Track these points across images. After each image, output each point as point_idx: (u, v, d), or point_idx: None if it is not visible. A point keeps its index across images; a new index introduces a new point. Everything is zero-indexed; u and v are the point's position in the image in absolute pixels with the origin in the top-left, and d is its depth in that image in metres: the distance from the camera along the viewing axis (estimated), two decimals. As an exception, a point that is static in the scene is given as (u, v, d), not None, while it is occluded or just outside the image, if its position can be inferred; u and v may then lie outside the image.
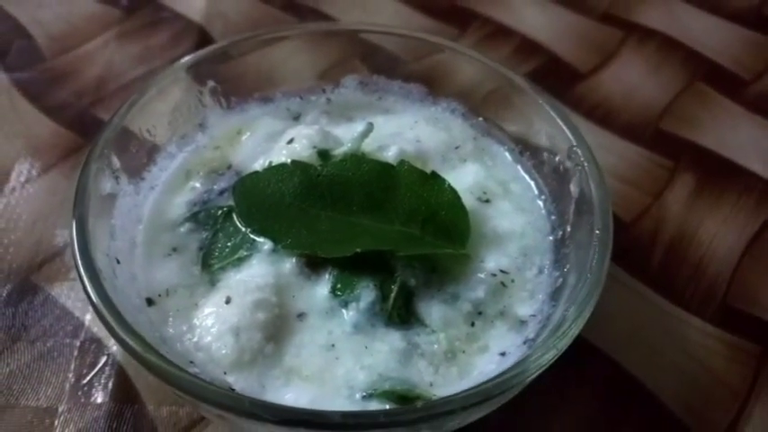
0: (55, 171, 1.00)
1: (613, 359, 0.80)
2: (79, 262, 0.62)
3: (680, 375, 0.80)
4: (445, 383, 0.65)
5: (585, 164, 0.72)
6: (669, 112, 1.13)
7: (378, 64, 0.94)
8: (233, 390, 0.62)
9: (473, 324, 0.69)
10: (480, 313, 0.70)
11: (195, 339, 0.66)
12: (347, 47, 0.96)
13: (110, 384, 0.76)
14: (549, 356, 0.58)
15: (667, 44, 1.25)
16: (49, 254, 0.90)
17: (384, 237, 0.70)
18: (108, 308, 0.59)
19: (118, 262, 0.69)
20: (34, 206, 0.94)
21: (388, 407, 0.62)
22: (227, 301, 0.67)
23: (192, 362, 0.64)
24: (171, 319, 0.68)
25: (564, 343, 0.59)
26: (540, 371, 0.58)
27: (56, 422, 0.73)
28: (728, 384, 0.80)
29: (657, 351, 0.82)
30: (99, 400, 0.75)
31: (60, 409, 0.74)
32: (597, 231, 0.66)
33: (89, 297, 0.60)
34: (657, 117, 1.12)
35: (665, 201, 0.99)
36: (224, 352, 0.64)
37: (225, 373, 0.64)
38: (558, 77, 1.20)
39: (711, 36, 1.27)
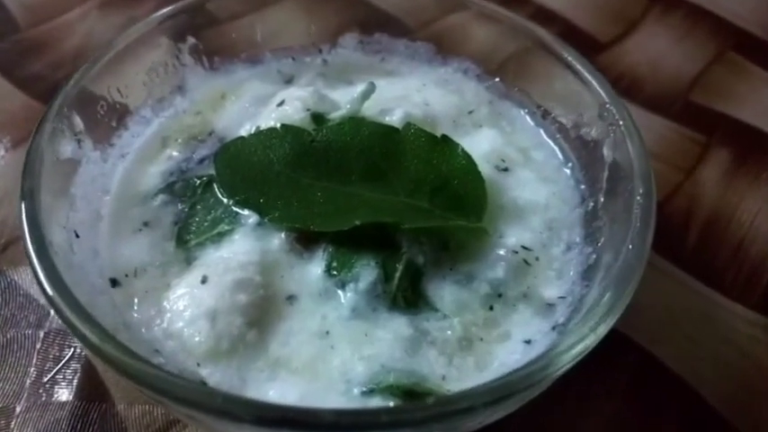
0: (24, 147, 0.92)
1: (647, 351, 0.75)
2: (26, 230, 0.55)
3: (721, 368, 0.75)
4: (460, 376, 0.58)
5: (621, 122, 0.66)
6: (699, 83, 1.08)
7: (380, 27, 0.88)
8: (204, 384, 0.55)
9: (491, 308, 0.63)
10: (500, 295, 0.64)
11: (165, 325, 0.60)
12: (345, 9, 0.90)
13: (75, 380, 0.71)
14: (588, 343, 0.51)
15: (694, 12, 1.20)
16: (15, 236, 0.82)
17: (387, 209, 0.64)
18: (55, 285, 0.52)
19: (77, 236, 0.63)
20: (1, 184, 0.87)
21: (392, 404, 0.55)
22: (204, 281, 0.60)
23: (157, 350, 0.57)
24: (138, 301, 0.62)
25: (603, 329, 0.52)
26: (576, 361, 0.51)
27: (12, 424, 0.68)
28: (775, 376, 0.74)
29: (696, 341, 0.77)
30: (63, 399, 0.69)
31: (18, 410, 0.68)
32: (639, 198, 0.60)
33: (34, 271, 0.53)
34: (687, 89, 1.07)
35: (698, 177, 0.94)
36: (197, 339, 0.58)
37: (198, 365, 0.57)
38: (576, 47, 1.12)
39: (741, 4, 1.22)
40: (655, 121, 1.02)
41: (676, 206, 0.90)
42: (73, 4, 1.14)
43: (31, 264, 0.54)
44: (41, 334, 0.74)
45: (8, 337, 0.74)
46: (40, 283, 0.52)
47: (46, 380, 0.70)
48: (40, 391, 0.70)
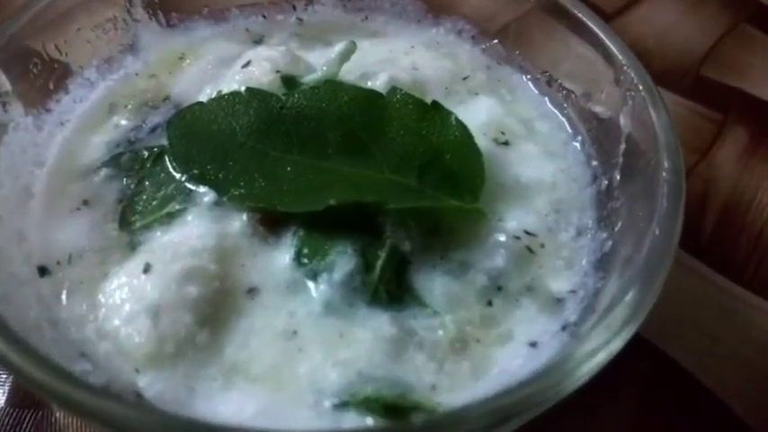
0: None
1: (662, 350, 0.71)
2: None
3: (742, 368, 0.72)
4: (453, 386, 0.52)
5: (641, 87, 0.59)
6: (711, 57, 1.04)
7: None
8: (139, 396, 0.47)
9: (490, 303, 0.57)
10: (500, 288, 0.58)
11: (99, 323, 0.53)
12: None
13: (7, 384, 0.66)
14: (612, 350, 0.44)
15: None
16: None
17: (368, 186, 0.59)
18: None
19: None
20: None
21: (370, 421, 0.48)
22: (146, 270, 0.54)
23: (84, 354, 0.50)
24: (68, 294, 0.56)
25: (628, 332, 0.45)
26: (597, 371, 0.44)
27: None
28: (801, 378, 0.72)
29: (715, 338, 0.73)
30: None
31: None
32: (665, 175, 0.54)
33: None
34: (698, 63, 1.03)
35: (713, 158, 0.91)
36: (137, 341, 0.51)
37: (137, 371, 0.51)
38: None
39: None
40: (665, 97, 0.95)
41: (691, 190, 0.86)
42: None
43: None
44: None
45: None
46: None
47: None
48: None
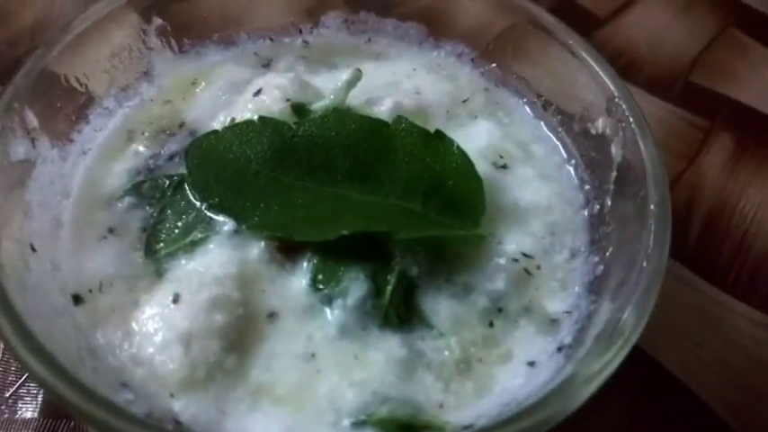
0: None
1: (648, 354, 0.73)
2: None
3: (725, 371, 0.73)
4: (459, 404, 0.55)
5: (631, 120, 0.62)
6: (700, 62, 1.05)
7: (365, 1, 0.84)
8: (179, 423, 0.51)
9: (491, 324, 0.60)
10: (500, 310, 0.60)
11: (134, 350, 0.56)
12: None
13: (40, 396, 0.67)
14: (610, 371, 0.48)
15: None
16: None
17: (377, 214, 0.61)
18: (7, 316, 0.47)
19: (33, 249, 0.58)
20: None
21: None
22: (176, 300, 0.56)
23: (125, 384, 0.52)
24: (103, 322, 0.58)
25: (621, 356, 0.49)
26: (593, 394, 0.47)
27: None
28: (781, 381, 0.73)
29: (699, 344, 0.75)
30: (27, 416, 0.66)
31: None
32: (652, 207, 0.57)
33: None
34: (687, 68, 1.04)
35: (700, 165, 0.92)
36: (171, 367, 0.54)
37: (172, 396, 0.53)
38: (572, 23, 1.09)
39: None
40: (654, 104, 0.99)
41: (678, 197, 0.88)
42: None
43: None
44: (1, 345, 0.70)
45: (-35, 351, 0.70)
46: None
47: (8, 395, 0.67)
48: (3, 407, 0.66)
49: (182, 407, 0.52)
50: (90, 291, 0.59)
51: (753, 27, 1.10)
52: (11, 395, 0.67)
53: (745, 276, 0.81)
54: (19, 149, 0.61)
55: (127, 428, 0.43)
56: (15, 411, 0.66)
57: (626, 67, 1.03)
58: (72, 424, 0.65)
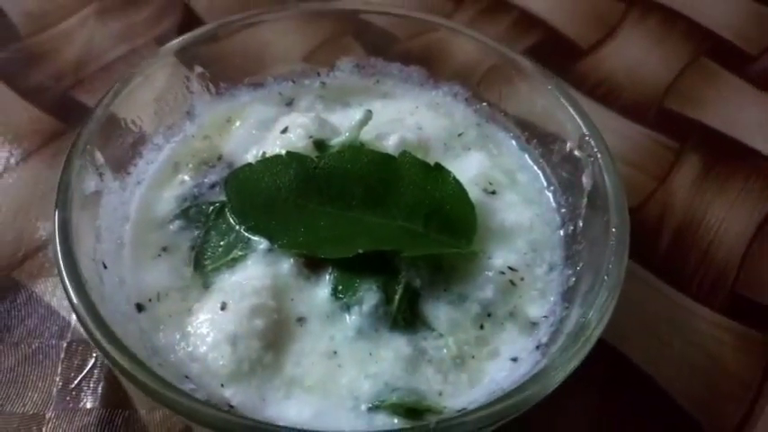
0: (36, 159, 0.94)
1: (619, 351, 0.78)
2: (64, 273, 0.58)
3: (689, 368, 0.78)
4: (455, 392, 0.62)
5: (599, 155, 0.69)
6: (673, 89, 1.10)
7: (372, 42, 0.90)
8: (231, 407, 0.59)
9: (482, 326, 0.67)
10: (489, 315, 0.67)
11: (190, 349, 0.63)
12: (339, 26, 0.92)
13: (99, 388, 0.73)
14: (575, 364, 0.56)
15: (670, 17, 1.21)
16: (32, 248, 0.85)
17: (386, 235, 0.67)
18: (96, 322, 0.56)
19: (105, 267, 0.65)
20: (14, 197, 0.89)
21: (395, 420, 0.60)
22: (223, 307, 0.64)
23: (187, 376, 0.61)
24: (163, 326, 0.65)
25: (585, 351, 0.57)
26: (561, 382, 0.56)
27: (43, 429, 0.70)
28: (738, 376, 0.78)
29: (665, 342, 0.80)
30: (88, 406, 0.72)
31: (48, 416, 0.71)
32: (614, 230, 0.64)
33: (76, 311, 0.57)
34: (661, 95, 1.08)
35: (671, 184, 0.97)
36: (221, 363, 0.62)
37: (222, 386, 0.61)
38: (558, 53, 1.15)
39: (714, 8, 1.22)
40: (631, 128, 1.04)
41: (650, 213, 0.93)
42: (72, 10, 1.14)
43: (71, 303, 0.57)
44: (64, 344, 0.77)
45: (33, 347, 0.77)
46: (82, 322, 0.56)
47: (71, 387, 0.74)
48: (67, 398, 0.72)
49: (231, 394, 0.60)
50: (150, 300, 0.67)
51: (722, 56, 1.13)
52: (73, 388, 0.73)
53: (708, 283, 0.86)
54: (91, 183, 0.68)
55: (196, 408, 0.52)
56: (78, 402, 0.72)
57: (606, 94, 1.07)
58: (127, 413, 0.71)
